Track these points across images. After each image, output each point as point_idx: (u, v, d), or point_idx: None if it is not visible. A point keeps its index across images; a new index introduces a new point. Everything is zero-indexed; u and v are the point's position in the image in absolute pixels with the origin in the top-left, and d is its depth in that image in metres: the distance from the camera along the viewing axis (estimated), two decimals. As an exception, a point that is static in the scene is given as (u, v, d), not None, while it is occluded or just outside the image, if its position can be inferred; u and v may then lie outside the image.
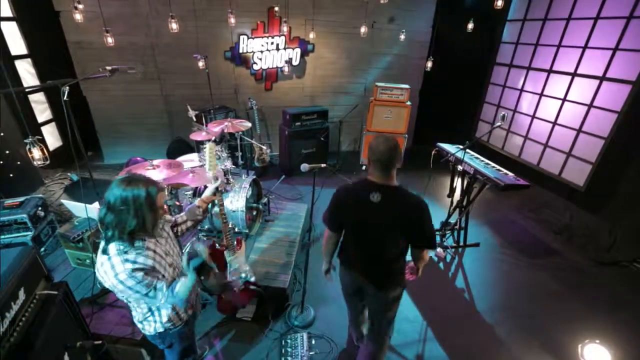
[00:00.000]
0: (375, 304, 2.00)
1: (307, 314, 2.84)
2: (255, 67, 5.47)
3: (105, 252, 1.37)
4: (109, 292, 2.70)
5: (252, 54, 5.35)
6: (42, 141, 4.62)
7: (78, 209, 2.74)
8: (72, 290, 2.71)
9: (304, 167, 2.17)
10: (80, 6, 3.56)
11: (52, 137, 4.88)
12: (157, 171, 2.69)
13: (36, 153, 1.83)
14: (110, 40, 3.13)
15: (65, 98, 1.84)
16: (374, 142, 1.65)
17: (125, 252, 1.35)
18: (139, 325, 1.68)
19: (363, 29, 4.85)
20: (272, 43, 5.35)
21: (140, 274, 1.35)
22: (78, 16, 3.45)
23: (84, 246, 2.77)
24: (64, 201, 2.83)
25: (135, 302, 1.55)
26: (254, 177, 3.47)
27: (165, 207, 1.53)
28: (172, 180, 2.74)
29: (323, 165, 2.23)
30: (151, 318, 1.63)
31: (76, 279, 2.85)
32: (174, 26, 3.24)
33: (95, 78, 2.09)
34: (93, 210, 2.48)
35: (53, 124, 4.96)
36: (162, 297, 1.44)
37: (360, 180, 1.78)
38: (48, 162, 1.94)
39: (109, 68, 2.08)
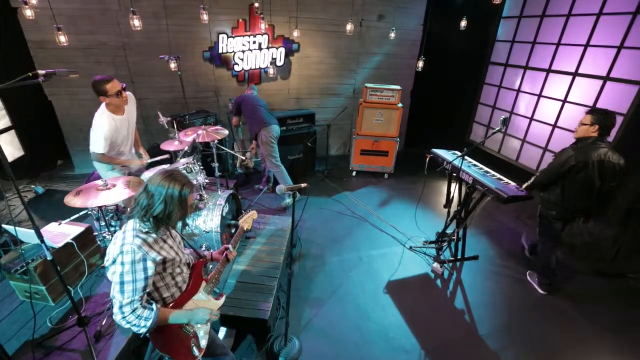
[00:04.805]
0: None
1: (292, 347, 2.52)
2: (237, 68, 5.11)
3: (121, 227, 1.51)
4: (60, 332, 2.36)
5: (233, 54, 5.00)
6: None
7: (23, 234, 2.37)
8: (19, 329, 2.38)
9: (280, 189, 1.82)
10: (34, 1, 3.16)
11: (11, 146, 4.45)
12: (113, 192, 2.33)
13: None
14: (63, 39, 2.74)
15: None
16: None
17: (144, 233, 1.44)
18: None
19: (350, 27, 4.54)
20: (254, 42, 5.00)
21: (139, 255, 1.38)
22: (29, 12, 3.05)
23: (31, 278, 2.39)
24: (5, 226, 2.44)
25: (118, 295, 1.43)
26: (232, 191, 3.12)
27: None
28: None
29: (303, 185, 1.88)
30: None
31: (24, 314, 2.47)
32: (136, 23, 2.88)
33: (26, 85, 1.71)
34: (28, 235, 2.09)
35: (12, 132, 4.52)
36: (126, 307, 1.39)
37: None
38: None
39: (42, 72, 1.71)
